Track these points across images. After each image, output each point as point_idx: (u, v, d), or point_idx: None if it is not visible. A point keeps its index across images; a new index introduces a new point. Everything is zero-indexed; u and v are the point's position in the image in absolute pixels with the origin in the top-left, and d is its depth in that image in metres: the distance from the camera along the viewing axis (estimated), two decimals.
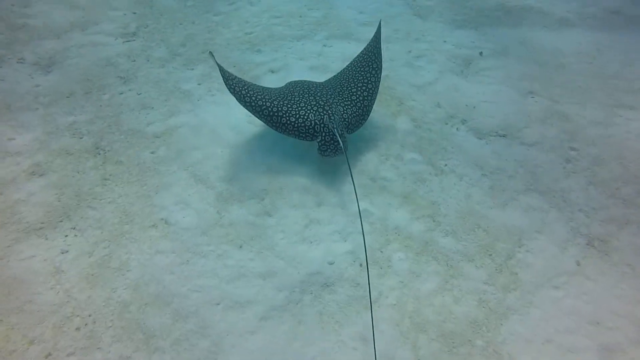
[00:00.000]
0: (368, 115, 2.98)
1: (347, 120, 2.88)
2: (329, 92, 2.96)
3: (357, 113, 2.93)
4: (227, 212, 2.76)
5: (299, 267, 2.49)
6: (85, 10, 4.44)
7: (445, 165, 3.08)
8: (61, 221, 2.66)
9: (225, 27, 4.41)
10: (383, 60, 3.14)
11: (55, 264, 2.45)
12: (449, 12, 4.72)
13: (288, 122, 2.81)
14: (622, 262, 2.51)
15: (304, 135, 2.83)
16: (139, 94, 3.60)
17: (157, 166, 3.03)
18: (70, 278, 2.39)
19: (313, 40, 4.30)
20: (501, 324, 2.26)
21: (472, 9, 4.77)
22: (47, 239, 2.56)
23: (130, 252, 2.54)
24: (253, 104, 2.83)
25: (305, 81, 3.13)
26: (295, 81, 3.15)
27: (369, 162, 3.08)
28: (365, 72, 3.03)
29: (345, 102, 2.93)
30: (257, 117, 2.87)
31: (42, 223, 2.63)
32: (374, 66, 3.02)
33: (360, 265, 2.50)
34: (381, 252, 2.57)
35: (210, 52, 2.80)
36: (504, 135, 3.31)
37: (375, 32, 3.15)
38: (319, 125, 2.81)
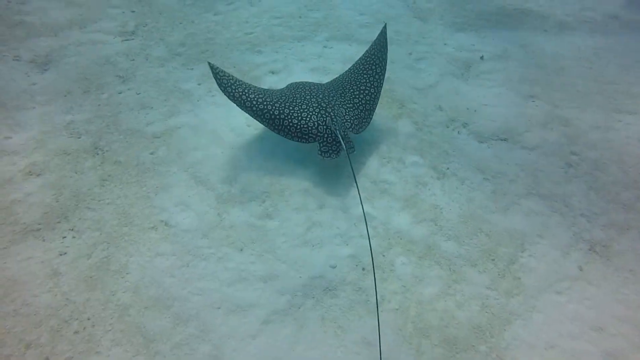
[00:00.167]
0: (371, 118, 2.96)
1: (350, 122, 2.87)
2: (331, 94, 2.94)
3: (360, 115, 2.91)
4: (228, 214, 2.73)
5: (301, 270, 2.47)
6: (83, 7, 4.38)
7: (447, 168, 3.07)
8: (59, 222, 2.62)
9: (224, 27, 4.38)
10: None
11: (53, 266, 2.40)
12: (449, 15, 4.72)
13: (290, 124, 2.79)
14: (624, 267, 2.51)
15: (306, 138, 2.81)
16: (138, 94, 3.55)
17: (156, 167, 2.99)
18: (68, 280, 2.35)
19: (313, 41, 4.28)
20: (504, 329, 2.26)
21: (473, 11, 4.78)
22: (44, 241, 2.52)
23: (129, 254, 2.50)
24: (254, 108, 2.80)
25: (306, 82, 3.11)
26: (296, 82, 3.13)
27: (370, 165, 3.07)
28: (369, 74, 3.01)
29: (348, 105, 2.92)
30: (258, 121, 2.84)
31: (40, 224, 2.59)
32: (378, 70, 3.01)
33: (363, 269, 2.49)
34: (383, 256, 2.55)
35: (209, 63, 2.77)
36: (505, 139, 3.31)
37: (379, 35, 3.14)
38: (321, 127, 2.79)
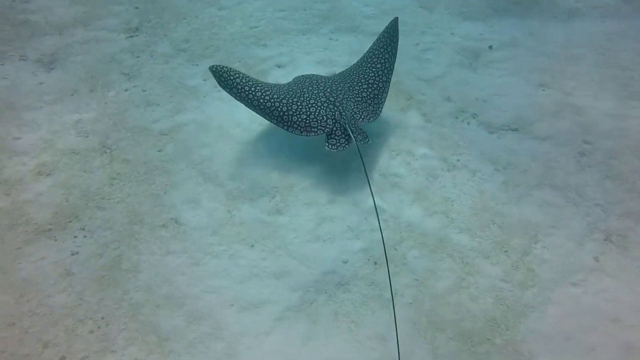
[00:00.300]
0: (381, 108, 2.92)
1: (359, 113, 2.83)
2: (339, 87, 2.91)
3: (369, 106, 2.88)
4: (238, 210, 2.72)
5: (313, 266, 2.46)
6: (87, 5, 4.36)
7: (457, 160, 3.03)
8: (70, 222, 2.62)
9: (229, 21, 4.34)
10: None
11: (65, 266, 2.41)
12: (456, 4, 4.63)
13: (299, 120, 2.75)
14: None
15: (315, 132, 2.77)
16: (144, 91, 3.54)
17: (164, 164, 2.99)
18: (81, 280, 2.36)
19: (319, 33, 4.23)
20: (520, 322, 2.23)
21: (480, 0, 4.69)
22: (56, 241, 2.53)
23: (140, 252, 2.50)
24: (262, 106, 2.77)
25: (313, 75, 3.07)
26: (303, 75, 3.09)
27: (380, 158, 3.04)
28: (378, 67, 2.98)
29: (357, 97, 2.88)
30: (266, 118, 2.80)
31: (51, 224, 2.60)
32: (387, 63, 2.97)
33: (375, 263, 2.47)
34: (395, 249, 2.53)
35: (210, 68, 2.75)
36: (515, 129, 3.26)
37: (389, 27, 3.09)
38: (330, 121, 2.75)
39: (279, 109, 2.76)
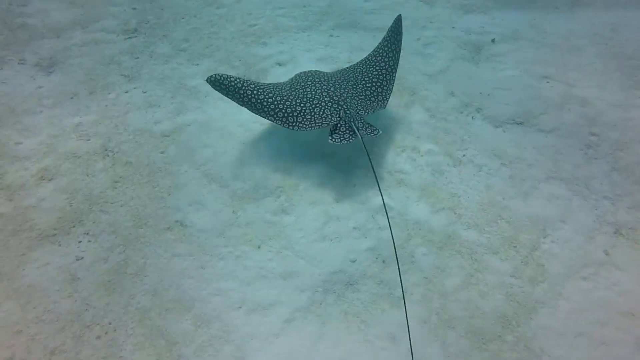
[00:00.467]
0: (387, 100, 2.90)
1: (364, 109, 2.80)
2: (342, 84, 2.87)
3: (373, 102, 2.85)
4: (243, 211, 2.69)
5: (321, 266, 2.43)
6: (84, 7, 4.32)
7: (463, 155, 3.00)
8: (74, 226, 2.60)
9: (228, 20, 4.30)
10: None
11: (70, 272, 2.39)
12: None
13: (304, 119, 2.72)
14: None
15: (319, 127, 2.74)
16: (144, 92, 3.51)
17: (167, 166, 2.96)
18: (87, 285, 2.34)
19: (319, 30, 4.19)
20: (531, 318, 2.21)
21: None
22: (60, 246, 2.50)
23: (146, 256, 2.48)
24: (266, 109, 2.74)
25: (315, 72, 3.03)
26: (304, 72, 3.05)
27: (385, 155, 3.01)
28: (382, 63, 2.95)
29: (360, 95, 2.85)
30: (271, 120, 2.76)
31: (55, 229, 2.57)
32: (391, 63, 2.94)
33: (383, 262, 2.44)
34: (403, 247, 2.51)
35: (208, 80, 2.72)
36: (520, 123, 3.23)
37: (392, 27, 3.05)
38: (335, 118, 2.72)
39: (283, 111, 2.73)
